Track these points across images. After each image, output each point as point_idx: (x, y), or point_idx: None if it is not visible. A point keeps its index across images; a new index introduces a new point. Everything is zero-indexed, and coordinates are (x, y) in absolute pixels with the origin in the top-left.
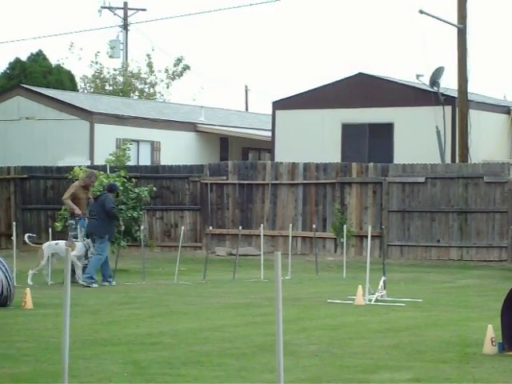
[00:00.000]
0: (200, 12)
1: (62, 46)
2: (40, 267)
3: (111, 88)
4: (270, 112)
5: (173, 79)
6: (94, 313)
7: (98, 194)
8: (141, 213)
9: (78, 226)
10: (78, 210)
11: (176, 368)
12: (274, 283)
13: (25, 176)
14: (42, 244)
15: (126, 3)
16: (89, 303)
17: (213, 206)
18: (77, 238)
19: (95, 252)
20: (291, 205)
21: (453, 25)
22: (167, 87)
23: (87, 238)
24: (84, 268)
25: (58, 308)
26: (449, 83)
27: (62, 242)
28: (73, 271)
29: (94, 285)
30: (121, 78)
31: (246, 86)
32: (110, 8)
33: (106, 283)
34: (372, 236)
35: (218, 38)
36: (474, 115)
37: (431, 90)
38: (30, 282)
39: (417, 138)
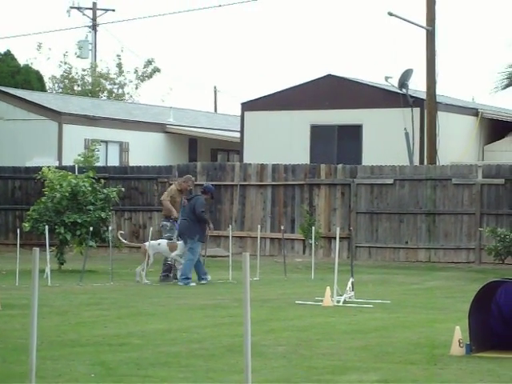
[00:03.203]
0: (169, 13)
1: (30, 46)
2: (149, 266)
3: (80, 88)
4: (239, 113)
5: (142, 80)
6: (61, 314)
7: (191, 196)
8: (109, 213)
9: (174, 228)
10: (175, 213)
11: (144, 369)
12: (242, 284)
13: None
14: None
15: (94, 3)
16: (56, 304)
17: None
18: (171, 239)
19: (187, 253)
20: (260, 206)
21: (422, 27)
22: (136, 88)
23: (179, 239)
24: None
25: (26, 309)
26: (417, 85)
27: (163, 242)
28: (169, 271)
29: (192, 283)
30: (89, 79)
31: (215, 87)
32: (78, 8)
33: (203, 281)
34: (340, 237)
35: (187, 39)
36: (442, 117)
37: (400, 91)
38: (146, 280)
39: (385, 140)
